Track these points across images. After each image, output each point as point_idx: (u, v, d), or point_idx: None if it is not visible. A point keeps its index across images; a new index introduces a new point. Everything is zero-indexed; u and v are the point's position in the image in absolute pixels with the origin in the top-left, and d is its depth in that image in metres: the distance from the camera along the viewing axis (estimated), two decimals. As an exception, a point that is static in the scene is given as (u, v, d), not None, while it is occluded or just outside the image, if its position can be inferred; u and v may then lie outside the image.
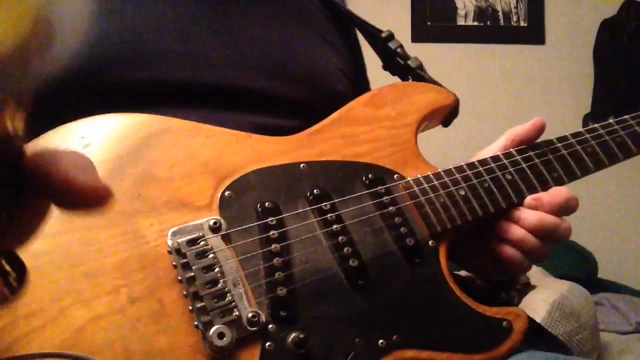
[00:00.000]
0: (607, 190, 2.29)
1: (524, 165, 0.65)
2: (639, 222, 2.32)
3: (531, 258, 0.61)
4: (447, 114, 0.72)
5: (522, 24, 2.46)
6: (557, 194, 0.62)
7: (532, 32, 2.45)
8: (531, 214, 0.61)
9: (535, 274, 1.84)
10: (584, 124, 2.23)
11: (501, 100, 2.43)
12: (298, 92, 0.68)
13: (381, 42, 0.78)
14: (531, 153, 0.66)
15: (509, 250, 0.61)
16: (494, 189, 0.62)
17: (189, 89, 0.62)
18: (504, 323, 0.55)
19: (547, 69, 2.44)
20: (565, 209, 0.61)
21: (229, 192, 0.54)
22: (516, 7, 2.46)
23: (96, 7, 0.62)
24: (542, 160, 0.65)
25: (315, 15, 0.77)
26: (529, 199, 0.62)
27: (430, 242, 0.58)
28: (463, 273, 0.69)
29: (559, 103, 2.39)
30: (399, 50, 0.77)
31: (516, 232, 0.61)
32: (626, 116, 0.71)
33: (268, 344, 0.48)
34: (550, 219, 0.60)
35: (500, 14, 2.46)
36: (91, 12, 0.61)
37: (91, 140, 0.52)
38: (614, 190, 2.30)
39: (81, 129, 0.53)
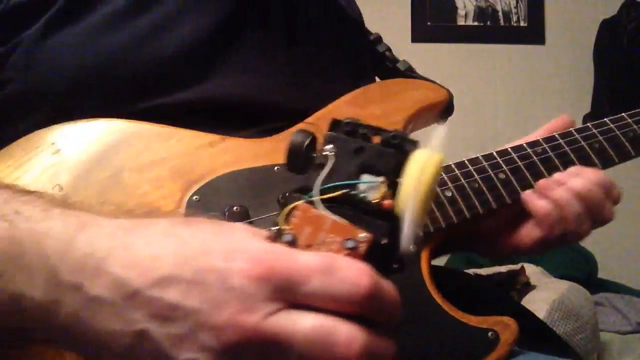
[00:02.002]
0: (607, 190, 2.29)
1: (520, 163, 0.60)
2: (639, 222, 2.32)
3: (568, 228, 0.56)
4: (440, 111, 0.68)
5: (522, 24, 2.46)
6: (600, 174, 0.58)
7: (532, 32, 2.45)
8: (577, 179, 0.56)
9: (535, 274, 1.84)
10: (584, 124, 2.22)
11: (501, 100, 2.43)
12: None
13: (369, 44, 0.75)
14: (529, 151, 0.61)
15: (545, 206, 0.56)
16: (485, 190, 0.58)
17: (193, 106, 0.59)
18: (490, 334, 0.51)
19: (547, 69, 2.43)
20: (611, 191, 0.58)
21: (196, 197, 0.52)
22: (516, 7, 2.45)
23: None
24: (541, 158, 0.60)
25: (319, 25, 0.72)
26: (572, 168, 0.58)
27: (410, 247, 0.55)
28: (483, 271, 0.65)
29: (559, 103, 2.39)
30: (387, 53, 0.74)
31: (559, 191, 0.56)
32: None
33: None
34: (597, 190, 0.56)
35: (500, 14, 2.46)
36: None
37: (61, 146, 0.52)
38: (614, 190, 2.30)
39: (52, 135, 0.53)
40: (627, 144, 0.63)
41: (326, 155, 0.36)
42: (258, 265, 0.31)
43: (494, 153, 0.61)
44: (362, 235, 0.33)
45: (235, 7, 0.62)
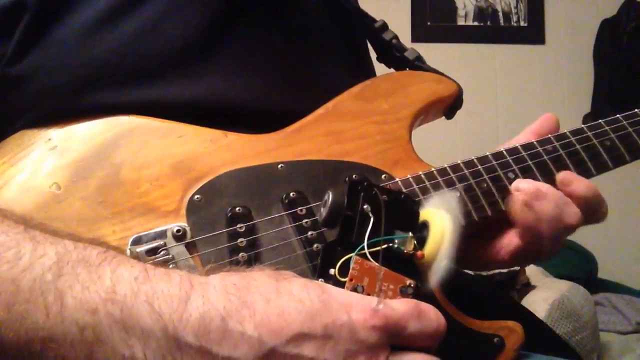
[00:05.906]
0: (607, 190, 2.28)
1: (530, 162, 0.58)
2: (639, 222, 2.32)
3: (544, 245, 0.54)
4: (448, 105, 0.66)
5: (522, 24, 2.46)
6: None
7: (532, 32, 2.45)
8: (581, 180, 0.56)
9: (535, 274, 1.84)
10: (584, 124, 2.23)
11: (501, 100, 2.42)
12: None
13: (374, 32, 0.72)
14: (540, 149, 0.58)
15: (530, 217, 0.53)
16: (494, 191, 0.56)
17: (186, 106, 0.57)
18: (495, 339, 0.49)
19: (547, 69, 2.43)
20: (598, 202, 0.57)
21: (198, 196, 0.51)
22: (516, 7, 2.45)
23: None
24: (551, 157, 0.58)
25: (316, 22, 0.71)
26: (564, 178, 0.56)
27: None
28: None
29: (559, 103, 2.39)
30: (394, 41, 0.71)
31: (548, 206, 0.53)
32: None
33: None
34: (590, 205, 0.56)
35: (500, 14, 2.46)
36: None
37: (58, 142, 0.51)
38: (614, 190, 2.30)
39: (48, 131, 0.51)
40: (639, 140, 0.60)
41: (366, 214, 0.43)
42: (374, 316, 0.37)
43: (504, 151, 0.59)
44: (409, 282, 0.42)
45: (224, 6, 0.60)
